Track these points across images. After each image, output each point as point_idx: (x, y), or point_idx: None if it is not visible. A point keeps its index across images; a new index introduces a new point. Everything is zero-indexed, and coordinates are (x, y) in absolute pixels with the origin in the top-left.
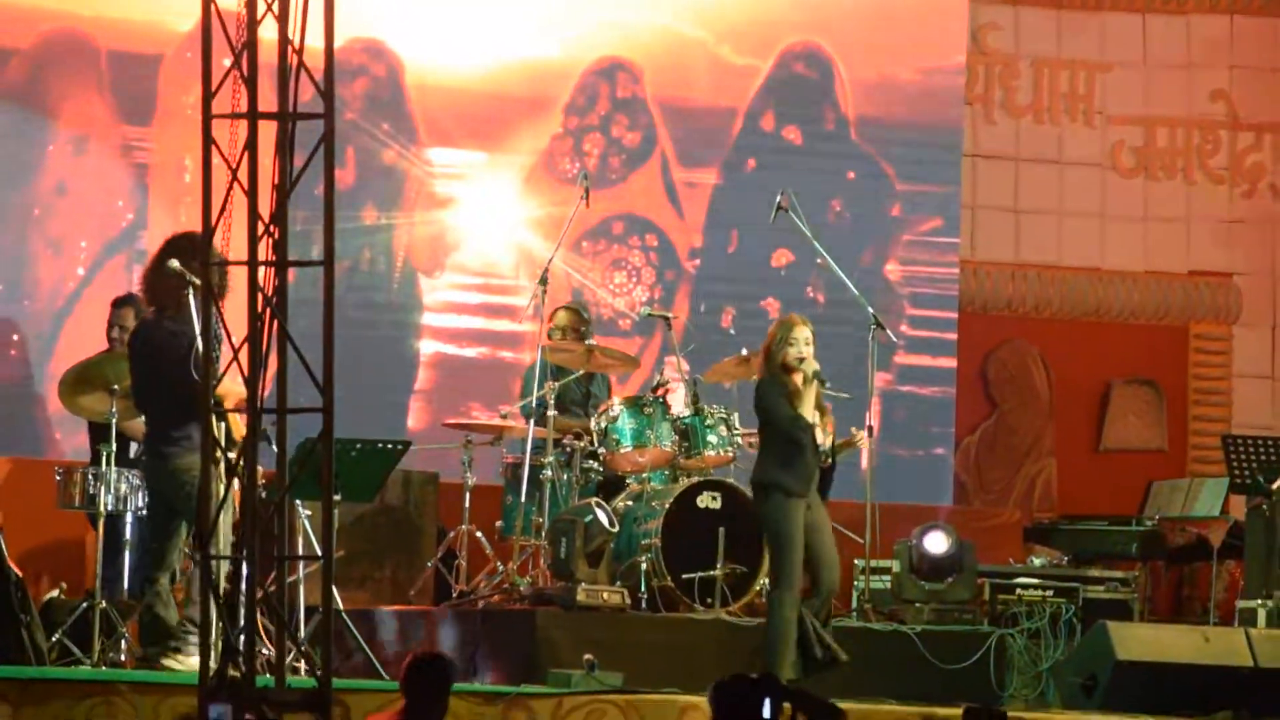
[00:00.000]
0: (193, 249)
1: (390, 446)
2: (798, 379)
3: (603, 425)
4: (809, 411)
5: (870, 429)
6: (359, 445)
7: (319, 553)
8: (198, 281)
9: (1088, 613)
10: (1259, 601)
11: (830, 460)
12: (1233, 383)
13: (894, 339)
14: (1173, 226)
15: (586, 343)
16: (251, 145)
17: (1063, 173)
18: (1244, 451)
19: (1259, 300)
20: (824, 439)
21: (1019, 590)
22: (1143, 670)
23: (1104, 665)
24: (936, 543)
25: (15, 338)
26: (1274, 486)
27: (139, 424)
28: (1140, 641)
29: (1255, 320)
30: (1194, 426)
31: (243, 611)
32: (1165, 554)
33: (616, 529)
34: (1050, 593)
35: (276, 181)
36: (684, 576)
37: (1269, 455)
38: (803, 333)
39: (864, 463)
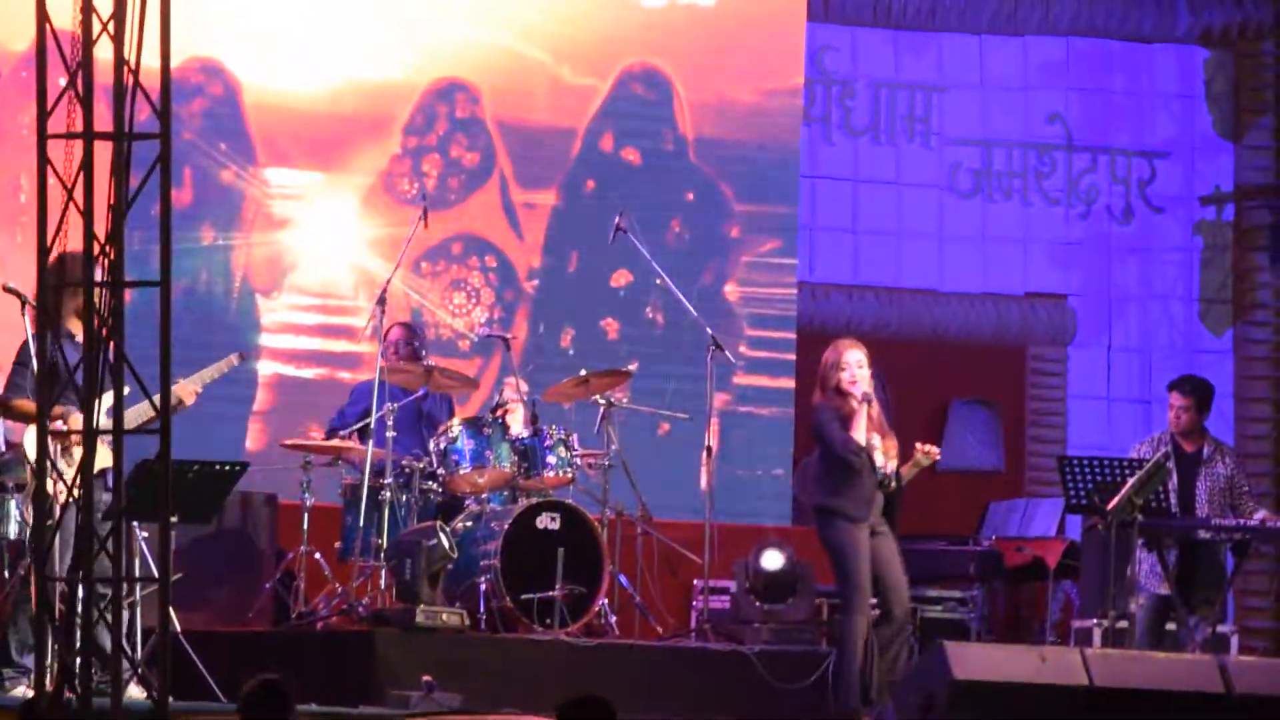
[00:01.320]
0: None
1: (227, 468)
2: (851, 403)
3: (442, 446)
4: (861, 435)
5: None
6: (196, 466)
7: (155, 574)
8: (32, 301)
9: (925, 633)
10: (1095, 621)
11: (895, 485)
12: (1068, 404)
13: (732, 360)
14: (1010, 248)
15: (425, 363)
16: (87, 165)
17: (901, 194)
18: (1079, 472)
19: (1094, 321)
20: (885, 463)
21: None
22: (980, 690)
23: (941, 685)
24: (773, 560)
25: None
26: (1109, 507)
27: None
28: (977, 661)
29: (1090, 341)
30: (1031, 447)
31: (79, 634)
32: (1002, 574)
33: (456, 554)
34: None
35: (113, 202)
36: (523, 597)
37: (1104, 475)
38: (854, 355)
39: (703, 483)
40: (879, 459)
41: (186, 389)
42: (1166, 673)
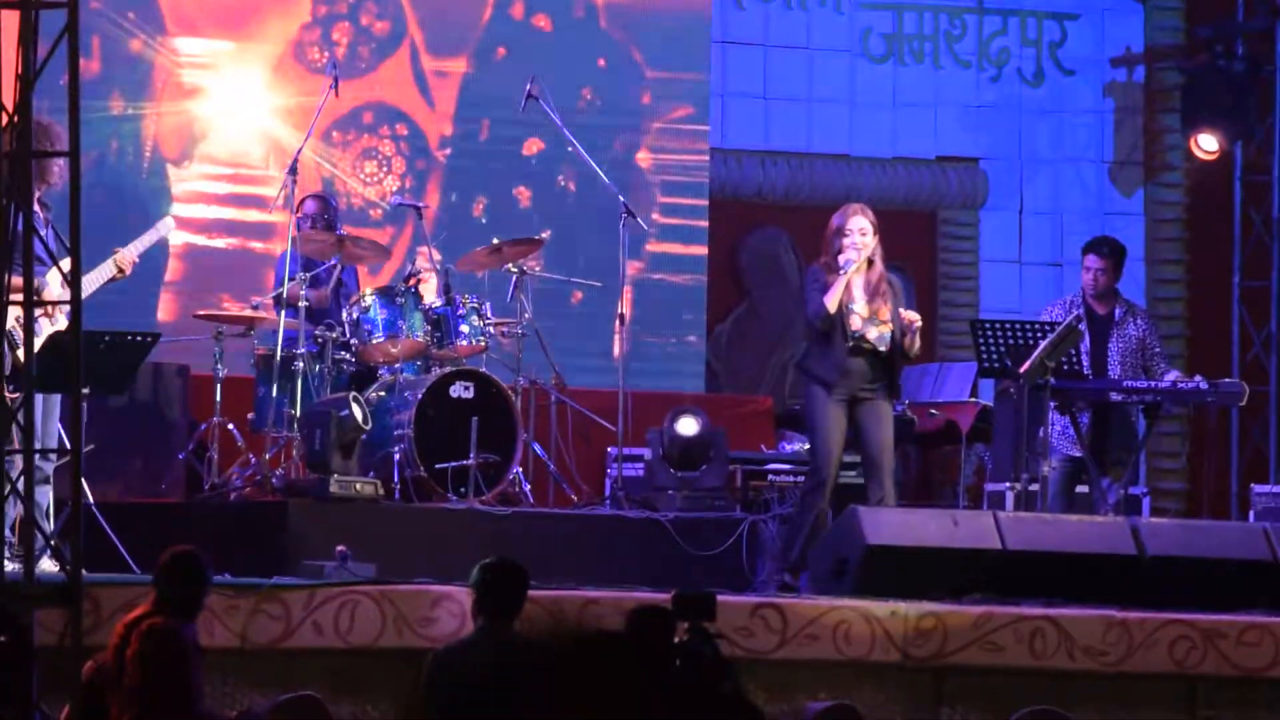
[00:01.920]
0: None
1: (139, 338)
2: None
3: (354, 316)
4: (834, 301)
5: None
6: (107, 337)
7: (68, 446)
8: None
9: (838, 498)
10: (1007, 485)
11: (892, 351)
12: (980, 267)
13: (645, 227)
14: (921, 112)
15: (337, 232)
16: None
17: (812, 59)
18: (991, 336)
19: (1005, 185)
20: (863, 327)
21: (770, 476)
22: (893, 554)
23: (854, 550)
24: (687, 427)
25: None
26: (1021, 370)
27: None
28: (890, 526)
29: (1002, 205)
30: (942, 311)
31: None
32: (915, 438)
33: (369, 424)
34: (801, 479)
35: (20, 71)
36: (437, 467)
37: (1016, 339)
38: (858, 221)
39: (616, 350)
40: (855, 322)
41: (126, 258)
42: (1079, 535)
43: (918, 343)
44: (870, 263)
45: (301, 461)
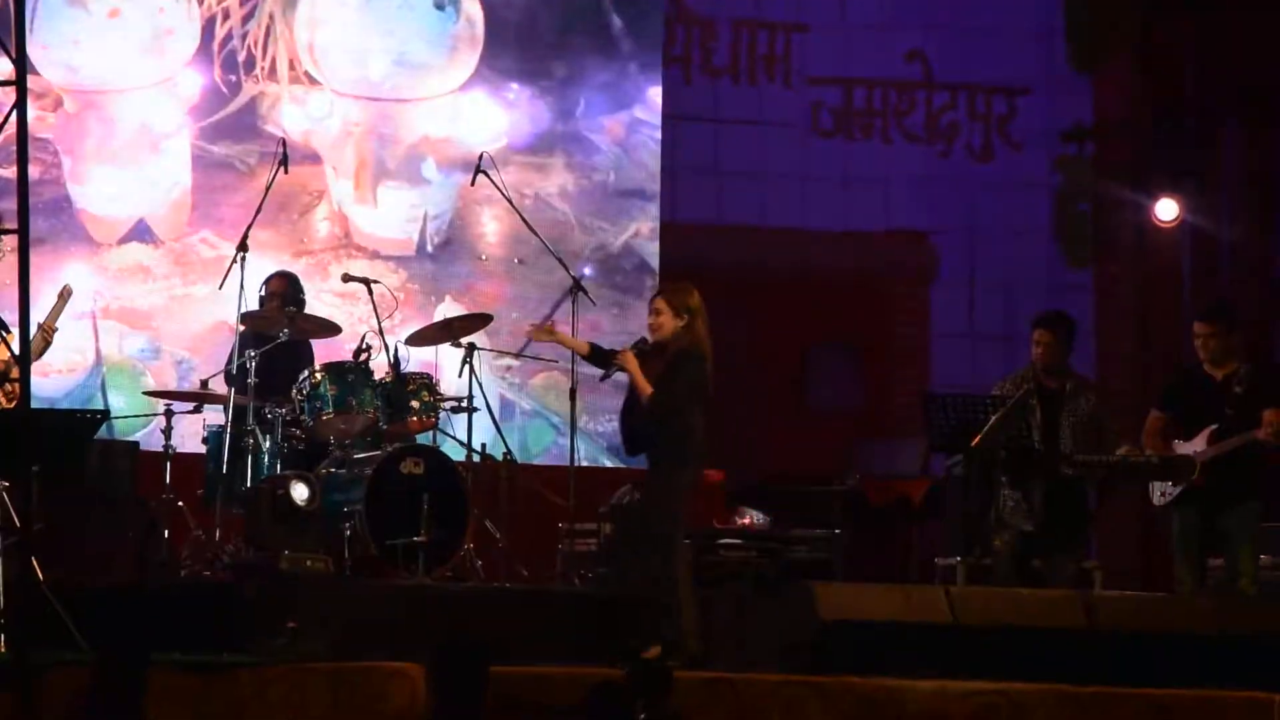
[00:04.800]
0: None
1: (87, 416)
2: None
3: (305, 391)
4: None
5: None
6: (56, 415)
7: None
8: None
9: (790, 573)
10: (958, 558)
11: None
12: (931, 341)
13: (594, 303)
14: (871, 186)
15: (287, 309)
16: None
17: (763, 134)
18: (943, 409)
19: (956, 258)
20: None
21: (722, 551)
22: (846, 629)
23: (808, 625)
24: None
25: None
26: (972, 444)
27: None
28: (842, 600)
29: (953, 278)
30: (894, 385)
31: None
32: (867, 513)
33: (316, 502)
34: (753, 553)
35: None
36: (388, 543)
37: (966, 413)
38: (651, 305)
39: (567, 427)
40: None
41: (50, 328)
42: (1031, 609)
43: None
44: (661, 346)
45: (252, 538)
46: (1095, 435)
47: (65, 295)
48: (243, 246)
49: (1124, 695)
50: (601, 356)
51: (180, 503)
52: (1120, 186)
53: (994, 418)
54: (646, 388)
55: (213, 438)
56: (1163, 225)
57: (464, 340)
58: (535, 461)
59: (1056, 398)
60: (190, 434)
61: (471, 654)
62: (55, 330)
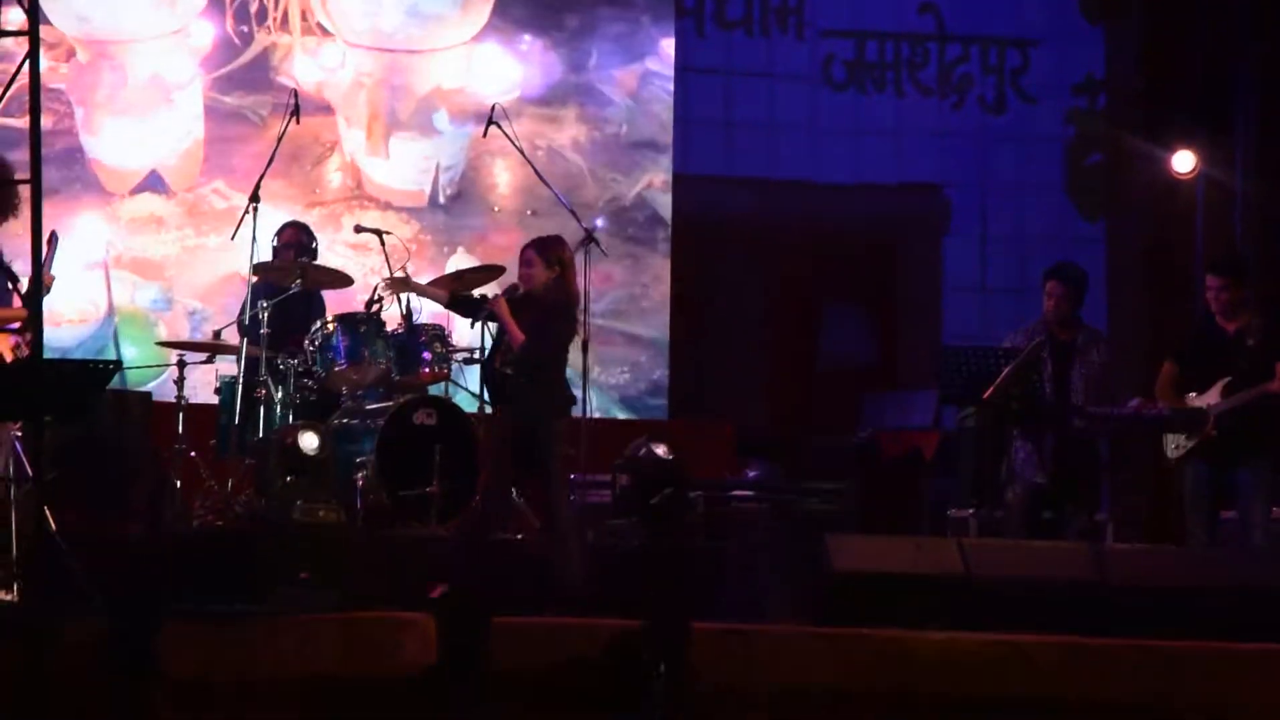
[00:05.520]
0: None
1: (101, 366)
2: None
3: (317, 343)
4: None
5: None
6: (68, 365)
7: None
8: None
9: (803, 524)
10: (970, 511)
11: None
12: (943, 294)
13: (605, 254)
14: (883, 140)
15: (299, 260)
16: None
17: (774, 86)
18: (954, 362)
19: (968, 211)
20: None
21: (734, 503)
22: (858, 580)
23: (820, 576)
24: (653, 455)
25: None
26: (984, 397)
27: None
28: (855, 552)
29: (964, 231)
30: (906, 338)
31: None
32: (879, 466)
33: (325, 452)
34: (766, 505)
35: None
36: (400, 494)
37: (978, 365)
38: (521, 255)
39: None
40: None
41: (49, 277)
42: (1042, 561)
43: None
44: (530, 296)
45: (264, 489)
46: (1107, 388)
47: (52, 242)
48: (255, 197)
49: (1135, 647)
50: (467, 304)
51: (193, 453)
52: (1132, 139)
53: (1006, 370)
54: (519, 335)
55: (225, 388)
56: (1180, 177)
57: (476, 291)
58: None
59: (1068, 350)
60: (203, 384)
61: (474, 603)
62: (53, 279)
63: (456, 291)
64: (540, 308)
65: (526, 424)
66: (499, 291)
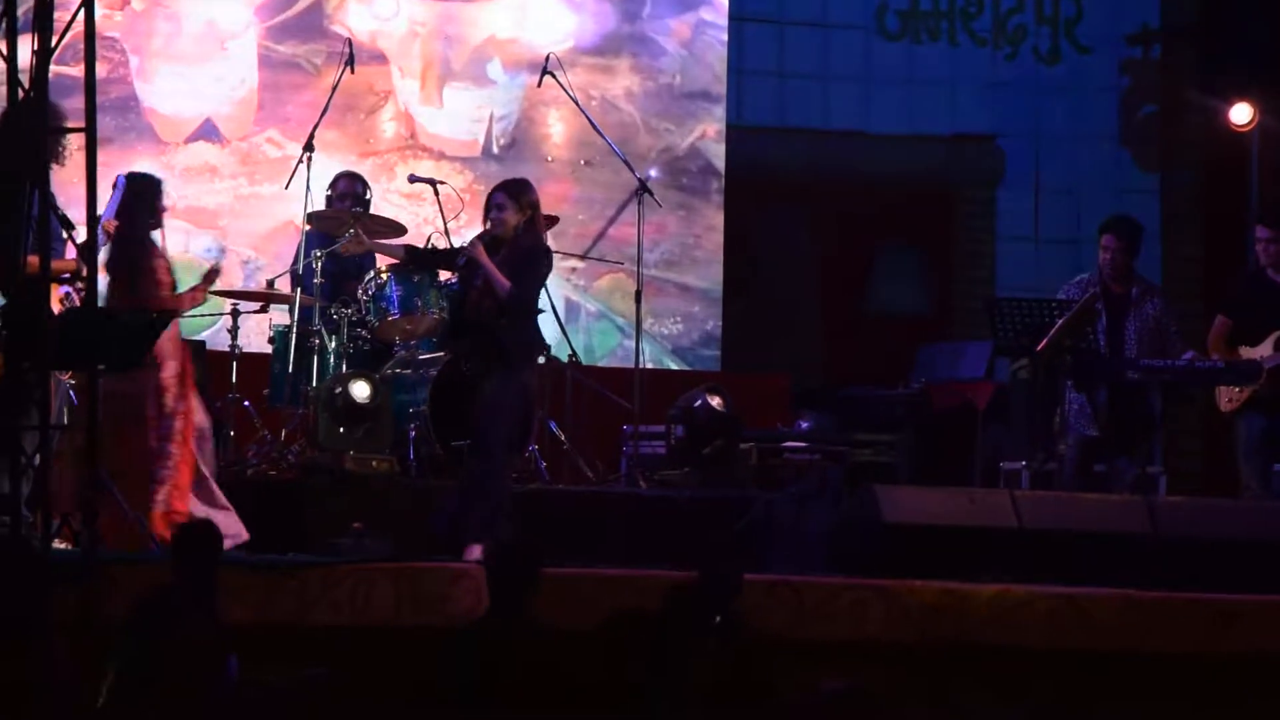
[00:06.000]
0: None
1: (154, 315)
2: None
3: (371, 292)
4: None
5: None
6: (121, 314)
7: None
8: None
9: (855, 476)
10: (1023, 464)
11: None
12: (996, 245)
13: (660, 205)
14: (937, 90)
15: (353, 210)
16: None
17: (827, 36)
18: (1008, 314)
19: (1022, 163)
20: None
21: (786, 454)
22: (910, 533)
23: (871, 528)
24: (707, 405)
25: None
26: (1038, 349)
27: None
28: (907, 504)
29: (1018, 182)
30: (959, 289)
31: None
32: (931, 417)
33: (377, 401)
34: (818, 456)
35: (36, 47)
36: (453, 444)
37: (1032, 317)
38: (493, 199)
39: (633, 328)
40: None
41: (110, 223)
42: (1095, 514)
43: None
44: (500, 241)
45: (317, 439)
46: (1161, 340)
47: (117, 187)
48: (309, 147)
49: (1188, 601)
50: (437, 256)
51: (246, 403)
52: (1187, 89)
53: (1059, 322)
54: (505, 282)
55: (279, 338)
56: (1238, 129)
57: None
58: (600, 364)
59: (1123, 302)
60: (256, 334)
61: (524, 554)
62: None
63: (414, 247)
64: (516, 251)
65: (496, 371)
66: (475, 239)
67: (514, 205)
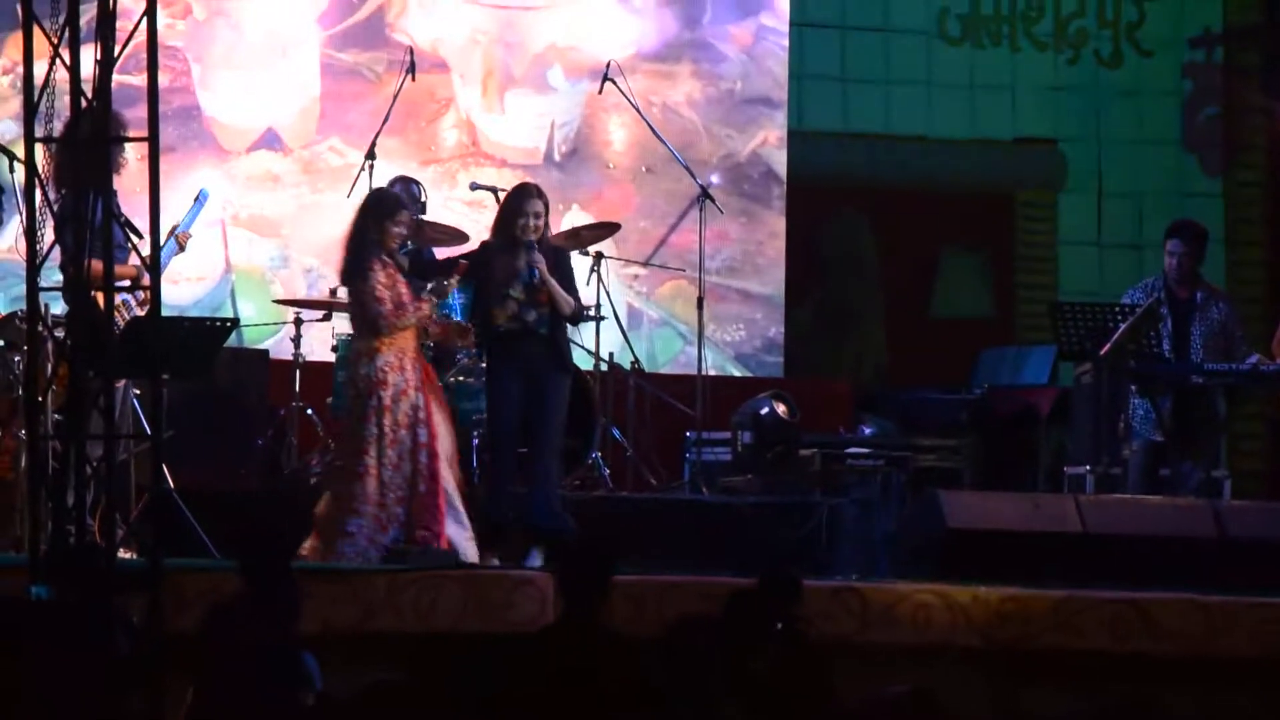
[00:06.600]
0: None
1: (218, 323)
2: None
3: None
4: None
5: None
6: (187, 323)
7: (148, 431)
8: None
9: (918, 481)
10: (1087, 468)
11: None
12: (1059, 250)
13: (722, 211)
14: (999, 94)
15: (417, 217)
16: (73, 20)
17: (889, 41)
18: (1071, 318)
19: (1084, 167)
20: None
21: (849, 460)
22: (973, 538)
23: (935, 533)
24: (774, 412)
25: None
26: (1101, 353)
27: None
28: (970, 509)
29: (1080, 187)
30: (1021, 294)
31: (71, 491)
32: (995, 422)
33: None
34: (881, 462)
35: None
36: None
37: (1095, 322)
38: (534, 205)
39: (695, 335)
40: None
41: (185, 234)
42: (1160, 518)
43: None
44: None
45: None
46: (1226, 344)
47: (200, 200)
48: (371, 154)
49: (1254, 605)
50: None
51: (309, 410)
52: (1250, 92)
53: (1123, 326)
54: (569, 299)
55: (342, 346)
56: None
57: (591, 249)
58: (663, 370)
59: (1188, 306)
60: (319, 342)
61: (597, 560)
62: (189, 236)
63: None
64: (557, 258)
65: (551, 380)
66: (535, 252)
67: (546, 210)
